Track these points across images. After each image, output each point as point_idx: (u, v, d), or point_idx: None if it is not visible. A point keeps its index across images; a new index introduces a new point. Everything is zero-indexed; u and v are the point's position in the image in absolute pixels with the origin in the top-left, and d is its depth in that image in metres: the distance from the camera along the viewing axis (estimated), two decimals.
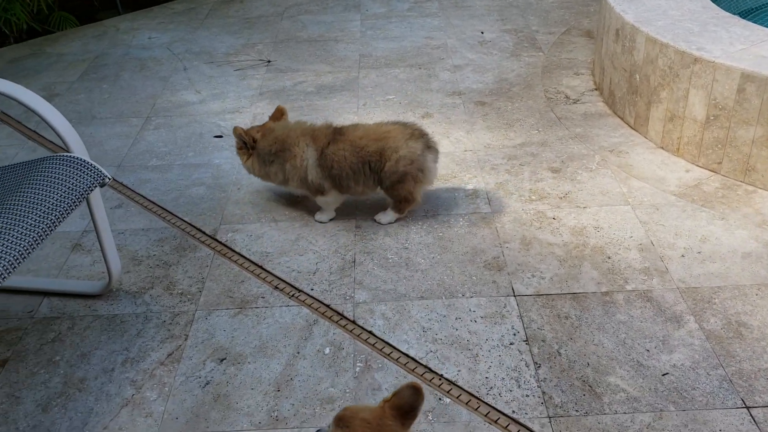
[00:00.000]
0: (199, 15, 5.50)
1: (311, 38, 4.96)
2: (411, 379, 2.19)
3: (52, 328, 2.48)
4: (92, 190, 2.27)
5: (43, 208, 2.09)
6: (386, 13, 5.36)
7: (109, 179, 2.32)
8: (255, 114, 3.90)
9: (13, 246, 1.94)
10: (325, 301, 2.52)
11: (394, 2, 5.58)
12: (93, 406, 2.16)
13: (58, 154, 2.33)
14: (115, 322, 2.49)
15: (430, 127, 3.65)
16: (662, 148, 3.35)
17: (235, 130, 2.91)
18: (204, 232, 2.95)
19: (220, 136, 3.71)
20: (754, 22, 4.00)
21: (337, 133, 2.87)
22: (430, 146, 2.86)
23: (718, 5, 3.84)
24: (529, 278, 2.60)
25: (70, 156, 2.31)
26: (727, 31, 3.23)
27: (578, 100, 3.88)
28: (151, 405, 2.15)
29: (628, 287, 2.53)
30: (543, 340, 2.32)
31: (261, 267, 2.72)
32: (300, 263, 2.73)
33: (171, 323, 2.47)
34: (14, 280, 2.66)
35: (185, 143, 3.66)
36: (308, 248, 2.82)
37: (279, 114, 3.02)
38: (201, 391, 2.19)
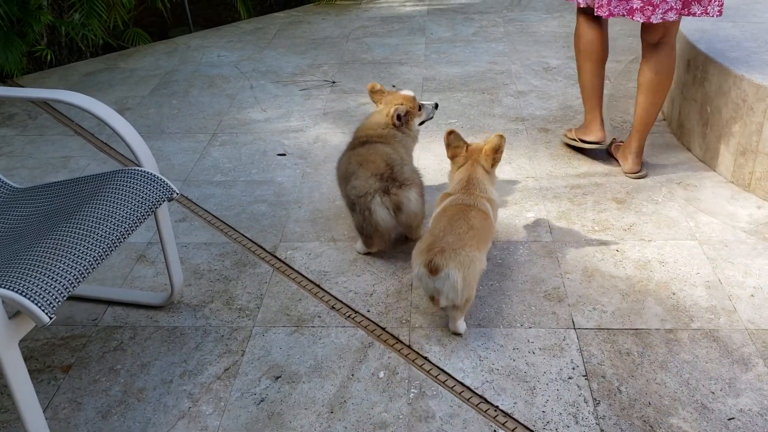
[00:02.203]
0: (267, 35, 5.61)
1: (375, 60, 5.00)
2: (466, 408, 2.16)
3: (115, 337, 2.53)
4: (160, 204, 2.32)
5: (112, 222, 2.14)
6: (451, 38, 5.37)
7: (177, 194, 2.37)
8: (318, 134, 3.95)
9: (81, 259, 2.00)
10: (381, 324, 2.52)
11: (459, 27, 5.59)
12: (151, 416, 2.19)
13: (129, 168, 2.40)
14: (175, 334, 2.53)
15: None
16: (733, 182, 3.25)
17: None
18: (264, 249, 2.99)
19: (284, 154, 3.76)
20: None
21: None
22: (388, 192, 2.67)
23: None
24: (590, 311, 2.54)
25: (140, 170, 2.37)
26: None
27: None
28: (206, 419, 2.17)
29: (694, 326, 2.45)
30: (603, 376, 2.26)
31: (318, 286, 2.73)
32: (357, 284, 2.74)
33: (229, 338, 2.50)
34: (81, 289, 2.73)
35: (249, 160, 3.72)
36: (366, 269, 2.82)
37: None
38: (255, 408, 2.20)
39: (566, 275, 2.74)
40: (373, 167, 2.74)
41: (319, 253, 2.93)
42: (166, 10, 5.59)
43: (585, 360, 2.33)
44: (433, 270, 2.25)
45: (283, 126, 4.08)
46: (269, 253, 2.96)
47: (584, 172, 3.44)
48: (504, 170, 3.49)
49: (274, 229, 3.12)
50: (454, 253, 2.28)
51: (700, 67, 3.34)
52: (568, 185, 3.34)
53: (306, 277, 2.79)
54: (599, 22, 3.23)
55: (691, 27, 3.60)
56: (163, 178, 2.37)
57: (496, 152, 2.67)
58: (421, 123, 3.18)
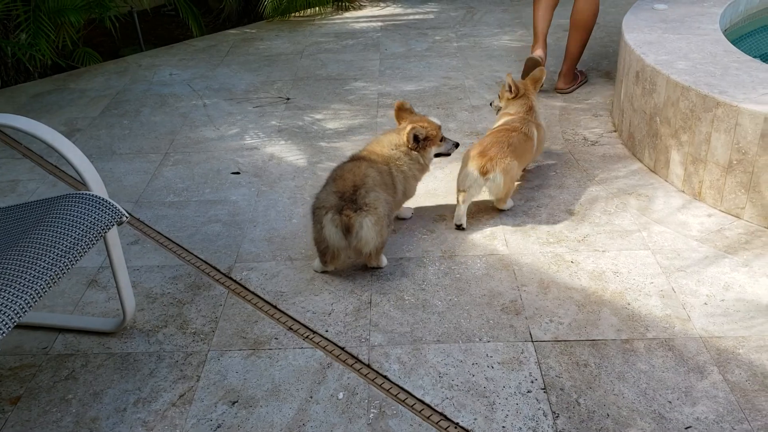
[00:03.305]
0: (220, 52, 5.56)
1: (330, 76, 4.99)
2: (426, 427, 2.14)
3: (66, 365, 2.46)
4: (109, 228, 2.27)
5: (59, 248, 2.08)
6: (405, 53, 5.39)
7: (127, 218, 2.32)
8: (273, 152, 3.91)
9: (28, 288, 1.93)
10: (340, 344, 2.49)
11: (412, 42, 5.62)
12: None
13: (76, 192, 2.34)
14: (129, 360, 2.47)
15: (449, 167, 3.64)
16: (683, 191, 3.31)
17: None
18: (219, 270, 2.94)
19: (238, 173, 3.71)
20: None
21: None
22: (341, 212, 2.65)
23: (739, 48, 3.83)
24: (547, 323, 2.55)
25: (88, 194, 2.31)
26: (749, 75, 3.20)
27: (597, 142, 3.86)
28: None
29: (649, 335, 2.48)
30: (561, 389, 2.27)
31: (275, 307, 2.70)
32: (315, 303, 2.70)
33: (183, 363, 2.44)
34: (30, 316, 2.65)
35: (203, 180, 3.67)
36: (324, 288, 2.80)
37: None
38: None
39: (523, 288, 2.75)
40: (340, 184, 2.74)
41: (275, 273, 2.90)
42: (116, 29, 5.50)
43: (543, 373, 2.33)
44: (483, 172, 3.06)
45: (237, 144, 4.04)
46: (224, 274, 2.91)
47: (538, 184, 3.47)
48: None
49: (229, 249, 3.07)
50: (500, 161, 3.08)
51: (648, 79, 3.41)
52: (523, 198, 3.36)
53: (262, 298, 2.75)
54: None
55: (638, 39, 3.67)
56: (112, 201, 2.31)
57: (537, 82, 3.52)
58: (437, 155, 3.15)
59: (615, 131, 3.95)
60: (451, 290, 2.75)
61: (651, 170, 3.51)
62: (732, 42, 3.88)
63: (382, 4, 6.70)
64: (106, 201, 2.30)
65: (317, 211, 2.73)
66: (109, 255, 2.43)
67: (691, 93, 3.13)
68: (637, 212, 3.20)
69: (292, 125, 4.25)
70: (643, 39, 3.68)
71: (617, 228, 3.10)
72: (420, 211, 3.29)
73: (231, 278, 2.88)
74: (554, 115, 4.21)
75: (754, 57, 3.93)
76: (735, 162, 3.02)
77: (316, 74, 5.04)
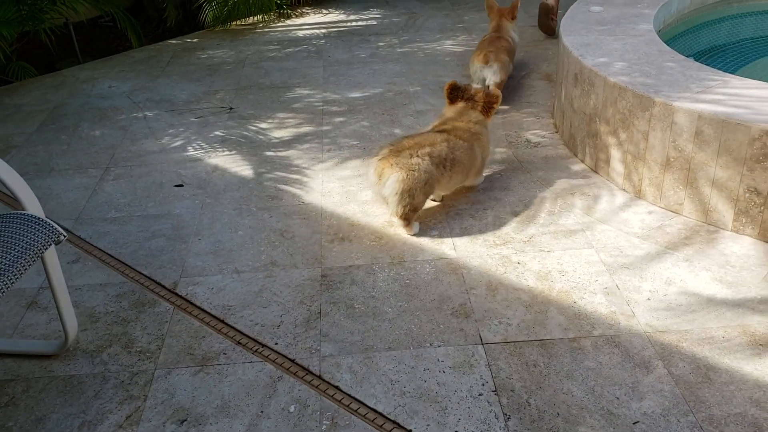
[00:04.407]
0: (160, 63, 5.47)
1: (274, 85, 4.96)
2: None
3: (6, 391, 2.37)
4: (46, 248, 2.20)
5: None
6: (349, 60, 5.39)
7: (65, 237, 2.26)
8: (217, 162, 3.86)
9: None
10: (290, 356, 2.46)
11: (356, 49, 5.62)
12: None
13: (11, 213, 2.26)
14: (72, 383, 2.40)
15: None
16: (624, 190, 3.38)
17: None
18: (163, 286, 2.88)
19: (181, 185, 3.65)
20: (708, 64, 4.11)
21: None
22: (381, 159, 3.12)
23: (673, 48, 3.94)
24: (496, 325, 2.57)
25: (23, 214, 2.24)
26: (684, 74, 3.29)
27: (539, 144, 3.91)
28: None
29: (596, 332, 2.52)
30: (512, 390, 2.28)
31: (223, 321, 2.65)
32: (263, 316, 2.67)
33: (130, 383, 2.38)
34: None
35: (145, 194, 3.60)
36: (272, 300, 2.76)
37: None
38: None
39: (471, 291, 2.77)
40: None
41: (222, 287, 2.85)
42: (52, 42, 5.36)
43: (494, 375, 2.35)
44: (485, 61, 4.29)
45: (179, 156, 3.97)
46: (169, 290, 2.85)
47: (484, 187, 3.50)
48: None
49: (174, 264, 3.02)
50: (496, 56, 4.31)
51: (587, 81, 3.47)
52: (469, 201, 3.39)
53: (209, 313, 2.70)
54: None
55: (576, 42, 3.74)
56: (49, 220, 2.25)
57: (514, 9, 4.72)
58: None
59: (556, 132, 4.02)
60: (401, 296, 2.75)
61: (593, 170, 3.58)
62: (666, 42, 3.98)
63: (324, 11, 6.68)
64: (43, 220, 2.24)
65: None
66: (47, 275, 2.36)
67: (627, 93, 3.20)
68: (581, 212, 3.25)
69: (236, 135, 4.20)
70: (580, 41, 3.75)
71: (562, 228, 3.14)
72: (369, 218, 3.28)
73: (176, 294, 2.83)
74: (497, 118, 4.25)
75: (688, 56, 4.04)
76: (672, 159, 3.09)
77: (259, 83, 5.00)
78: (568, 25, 4.02)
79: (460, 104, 3.46)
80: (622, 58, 3.52)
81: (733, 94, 3.06)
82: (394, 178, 2.99)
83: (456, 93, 3.49)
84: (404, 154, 3.04)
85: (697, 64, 3.42)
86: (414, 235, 3.12)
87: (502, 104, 4.22)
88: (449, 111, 3.47)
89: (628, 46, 3.65)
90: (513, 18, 4.71)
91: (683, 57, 3.50)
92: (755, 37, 4.74)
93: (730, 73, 3.99)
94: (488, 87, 4.21)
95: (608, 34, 3.84)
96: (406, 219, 3.09)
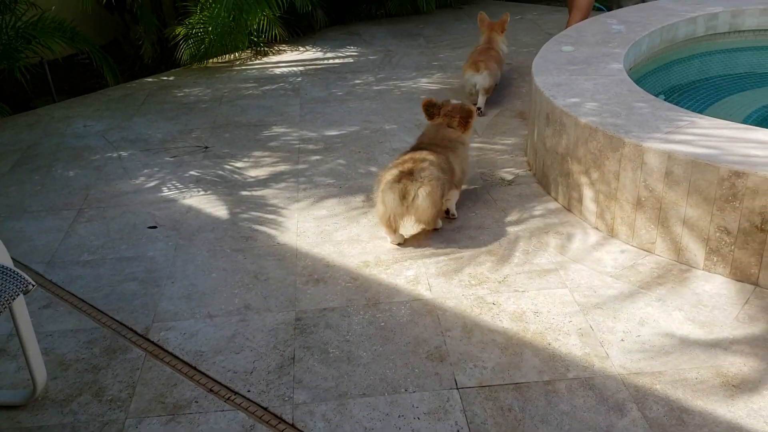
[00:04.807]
0: (136, 101, 5.47)
1: (250, 123, 4.96)
2: None
3: None
4: (14, 299, 2.17)
5: None
6: (325, 97, 5.42)
7: (33, 286, 2.22)
8: (191, 203, 3.84)
9: None
10: (263, 404, 2.43)
11: (333, 86, 5.65)
12: None
13: None
14: None
15: (371, 212, 3.65)
16: (597, 228, 3.40)
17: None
18: (135, 332, 2.84)
19: (155, 227, 3.63)
20: (679, 101, 4.19)
21: None
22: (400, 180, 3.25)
23: (645, 86, 4.01)
24: (471, 369, 2.56)
25: None
26: (653, 114, 3.34)
27: (513, 182, 3.94)
28: None
29: (570, 375, 2.51)
30: None
31: (195, 368, 2.62)
32: (236, 362, 2.64)
33: None
34: None
35: (118, 236, 3.57)
36: (245, 345, 2.74)
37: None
38: None
39: (447, 333, 2.76)
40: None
41: (194, 332, 2.82)
42: (27, 80, 5.34)
43: (469, 420, 2.33)
44: (476, 69, 4.81)
45: (153, 197, 3.95)
46: (141, 336, 2.82)
47: (459, 226, 3.51)
48: (383, 229, 3.50)
49: (146, 309, 2.98)
50: (485, 64, 4.82)
51: (558, 120, 3.51)
52: (445, 241, 3.39)
53: (181, 359, 2.67)
54: None
55: (547, 82, 3.79)
56: (17, 270, 2.22)
57: (504, 23, 5.22)
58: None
59: (530, 170, 4.05)
60: (376, 340, 2.74)
61: (566, 208, 3.60)
62: (637, 80, 4.05)
63: (302, 49, 6.73)
64: (11, 270, 2.21)
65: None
66: (15, 325, 2.32)
67: (598, 134, 3.24)
68: (555, 251, 3.27)
69: (211, 175, 4.19)
70: (552, 81, 3.80)
71: (536, 267, 3.15)
72: (344, 258, 3.27)
73: (148, 339, 2.79)
74: (471, 156, 4.28)
75: (658, 94, 4.12)
76: (644, 199, 3.13)
77: (235, 121, 5.00)
78: (540, 65, 4.08)
79: (439, 120, 3.66)
80: (593, 98, 3.57)
81: (702, 135, 3.11)
82: (423, 193, 3.18)
83: (433, 109, 3.69)
84: (417, 169, 3.23)
85: (667, 104, 3.48)
86: (438, 229, 3.45)
87: (477, 139, 4.26)
88: (429, 128, 3.68)
89: (599, 86, 3.71)
90: (502, 31, 5.22)
91: (653, 97, 3.55)
92: (724, 75, 4.84)
93: (701, 111, 4.08)
94: (477, 91, 4.86)
95: (579, 74, 3.90)
96: (434, 223, 3.37)
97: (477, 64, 4.84)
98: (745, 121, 3.90)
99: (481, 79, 4.82)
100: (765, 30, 4.93)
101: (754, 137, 3.04)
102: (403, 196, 3.20)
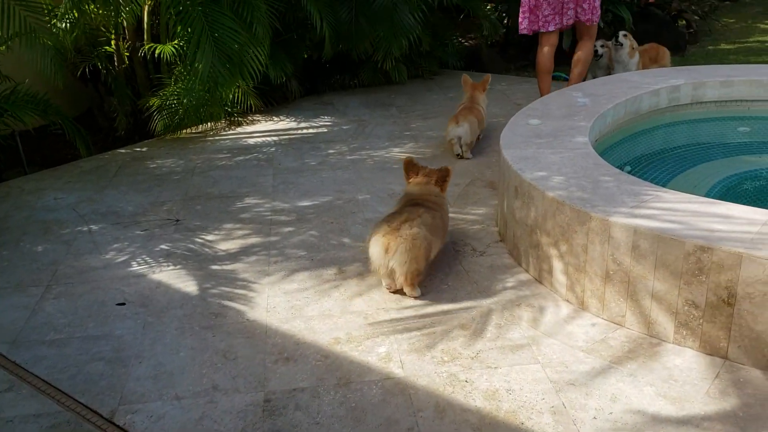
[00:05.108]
0: (108, 173, 5.46)
1: (222, 194, 4.97)
2: None
3: None
4: None
5: None
6: (298, 167, 5.45)
7: None
8: (161, 278, 3.80)
9: None
10: None
11: (306, 156, 5.70)
12: None
13: None
14: None
15: (343, 285, 3.64)
16: (568, 301, 3.42)
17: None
18: (101, 415, 2.77)
19: (123, 304, 3.58)
20: (645, 172, 4.28)
21: None
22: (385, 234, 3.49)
23: (610, 157, 4.10)
24: None
25: None
26: (619, 188, 3.40)
27: (484, 252, 3.96)
28: None
29: None
30: None
31: None
32: None
33: None
34: None
35: (86, 313, 3.51)
36: (212, 428, 2.68)
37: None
38: None
39: (419, 413, 2.72)
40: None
41: (161, 415, 2.76)
42: None
43: None
44: (457, 123, 5.39)
45: (123, 272, 3.91)
46: (106, 419, 2.74)
47: (431, 300, 3.50)
48: (355, 303, 3.49)
49: (113, 390, 2.92)
50: (466, 119, 5.41)
51: (527, 193, 3.56)
52: (417, 315, 3.38)
53: None
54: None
55: (515, 155, 3.86)
56: None
57: (485, 83, 5.83)
58: None
59: (501, 241, 4.08)
60: (347, 422, 2.69)
61: (537, 280, 3.62)
62: (603, 151, 4.15)
63: (276, 119, 6.81)
64: None
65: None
66: None
67: (565, 208, 3.29)
68: (527, 324, 3.27)
69: (182, 248, 4.16)
70: (519, 155, 3.87)
71: (509, 342, 3.14)
72: (315, 335, 3.24)
73: (114, 424, 2.72)
74: None
75: (624, 164, 4.21)
76: (612, 272, 3.16)
77: (207, 192, 5.01)
78: (508, 138, 4.16)
79: (418, 179, 3.94)
80: (560, 171, 3.63)
81: (667, 209, 3.16)
82: (402, 248, 3.36)
83: (412, 169, 4.00)
84: (404, 227, 3.43)
85: (632, 177, 3.55)
86: (417, 297, 3.52)
87: (451, 210, 4.29)
88: (410, 187, 3.94)
89: (565, 160, 3.78)
90: (484, 90, 5.82)
91: (618, 170, 3.62)
92: (689, 144, 4.96)
93: (666, 181, 4.17)
94: (459, 143, 5.42)
95: (546, 147, 3.98)
96: (412, 283, 3.47)
97: (458, 119, 5.43)
98: (709, 192, 3.99)
99: (463, 132, 5.36)
100: (725, 101, 5.09)
101: (718, 211, 3.11)
102: (385, 250, 3.39)
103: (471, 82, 5.88)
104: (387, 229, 3.45)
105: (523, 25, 6.06)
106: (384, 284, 3.58)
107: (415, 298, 3.50)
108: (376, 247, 3.44)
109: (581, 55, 6.16)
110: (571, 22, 5.97)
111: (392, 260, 3.39)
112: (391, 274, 3.46)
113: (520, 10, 6.07)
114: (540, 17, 5.96)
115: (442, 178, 3.93)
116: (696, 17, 9.78)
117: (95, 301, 3.63)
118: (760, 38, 9.95)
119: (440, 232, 3.71)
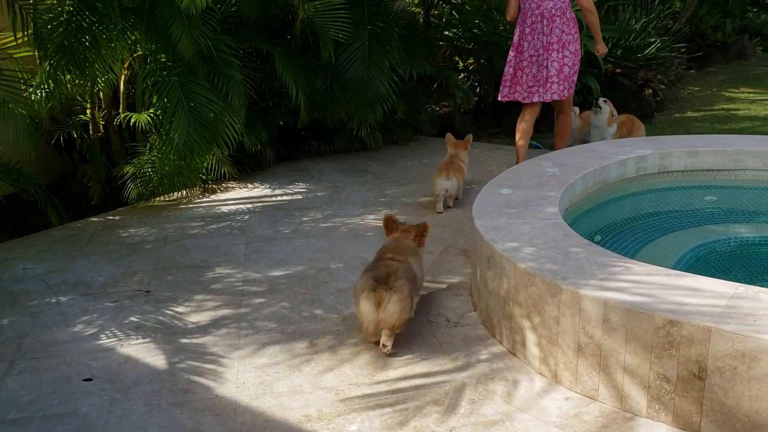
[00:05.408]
0: (80, 242, 5.40)
1: (194, 264, 4.93)
2: None
3: None
4: None
5: None
6: (272, 235, 5.44)
7: None
8: (129, 352, 3.73)
9: None
10: None
11: (279, 224, 5.70)
12: None
13: None
14: None
15: (314, 359, 3.60)
16: (541, 374, 3.40)
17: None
18: None
19: (90, 379, 3.49)
20: (614, 241, 4.33)
21: None
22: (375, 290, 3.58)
23: (580, 225, 4.15)
24: None
25: None
26: (588, 260, 3.43)
27: (458, 323, 3.95)
28: None
29: None
30: None
31: None
32: None
33: None
34: None
35: (51, 389, 3.42)
36: None
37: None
38: None
39: None
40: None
41: None
42: None
43: None
44: (447, 176, 5.76)
45: (91, 345, 3.83)
46: None
47: (404, 374, 3.46)
48: (326, 378, 3.44)
49: None
50: (453, 173, 5.79)
51: (498, 264, 3.58)
52: (390, 390, 3.34)
53: None
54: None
55: (487, 225, 3.89)
56: None
57: (467, 142, 6.20)
58: None
59: (475, 311, 4.08)
60: None
61: (511, 352, 3.61)
62: (573, 221, 4.20)
63: (250, 185, 6.82)
64: None
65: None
66: None
67: (537, 279, 3.30)
68: (501, 399, 3.24)
69: (152, 321, 4.10)
70: (491, 224, 3.90)
71: (482, 419, 3.11)
72: (285, 412, 3.18)
73: None
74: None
75: (594, 233, 4.26)
76: (584, 345, 3.16)
77: (179, 262, 4.97)
78: (480, 207, 4.20)
79: (396, 234, 4.17)
80: (531, 242, 3.66)
81: (636, 281, 3.19)
82: (395, 300, 3.50)
83: (392, 225, 4.23)
84: (391, 279, 3.60)
85: (601, 249, 3.59)
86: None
87: (426, 278, 4.28)
88: (389, 242, 4.12)
89: (536, 230, 3.82)
90: (466, 149, 6.22)
91: (587, 241, 3.66)
92: (657, 213, 5.05)
93: (635, 251, 4.22)
94: (445, 196, 5.83)
95: (517, 217, 4.02)
96: (397, 331, 3.62)
97: (447, 172, 5.81)
98: (678, 263, 4.04)
99: (450, 185, 5.79)
100: (692, 171, 5.21)
101: (686, 284, 3.14)
102: (378, 304, 3.50)
103: (454, 140, 6.27)
104: (374, 284, 3.56)
105: (504, 93, 6.36)
106: (374, 340, 3.66)
107: (387, 354, 3.59)
108: (367, 304, 3.52)
109: (559, 127, 6.55)
110: (555, 97, 6.19)
111: (385, 313, 3.49)
112: (379, 330, 3.56)
113: (503, 79, 6.36)
114: (524, 87, 6.23)
115: (420, 233, 4.17)
116: (662, 86, 10.06)
117: (60, 376, 3.54)
118: (725, 106, 10.25)
119: (419, 283, 3.94)
